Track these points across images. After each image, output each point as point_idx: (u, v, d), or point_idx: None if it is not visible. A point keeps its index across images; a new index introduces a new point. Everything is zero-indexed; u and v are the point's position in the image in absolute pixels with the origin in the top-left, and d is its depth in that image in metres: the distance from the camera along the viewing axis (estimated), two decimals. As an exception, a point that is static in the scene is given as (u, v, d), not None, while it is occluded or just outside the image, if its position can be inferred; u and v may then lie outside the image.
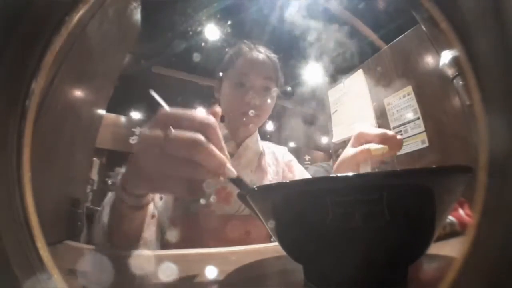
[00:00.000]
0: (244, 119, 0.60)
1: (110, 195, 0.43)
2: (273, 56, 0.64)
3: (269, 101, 0.62)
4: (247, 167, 0.63)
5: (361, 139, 0.45)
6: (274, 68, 0.63)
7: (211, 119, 0.26)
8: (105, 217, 0.39)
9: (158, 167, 0.24)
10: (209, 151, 0.24)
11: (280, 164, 0.70)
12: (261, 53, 0.62)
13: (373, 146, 0.41)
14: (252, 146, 0.65)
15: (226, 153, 0.27)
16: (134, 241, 0.39)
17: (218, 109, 0.28)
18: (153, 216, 0.41)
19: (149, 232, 0.41)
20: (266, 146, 0.71)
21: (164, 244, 0.48)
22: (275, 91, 0.63)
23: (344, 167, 0.46)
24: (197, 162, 0.24)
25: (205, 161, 0.24)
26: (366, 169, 0.40)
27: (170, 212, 0.53)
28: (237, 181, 0.27)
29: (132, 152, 0.27)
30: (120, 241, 0.38)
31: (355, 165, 0.43)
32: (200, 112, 0.26)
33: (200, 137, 0.24)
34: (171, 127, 0.24)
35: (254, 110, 0.59)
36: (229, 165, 0.26)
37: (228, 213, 0.58)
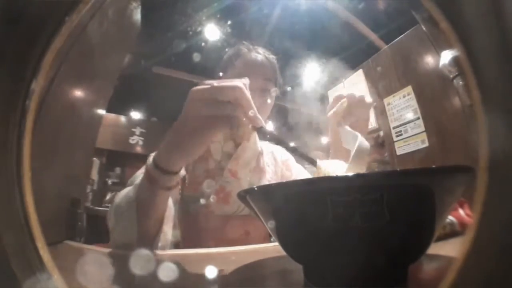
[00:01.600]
0: (253, 124, 0.61)
1: (129, 186, 0.45)
2: (272, 57, 0.64)
3: (268, 101, 0.62)
4: (246, 167, 0.63)
5: (335, 102, 0.51)
6: (272, 69, 0.64)
7: (238, 82, 0.32)
8: (126, 200, 0.40)
9: (208, 110, 0.31)
10: (246, 95, 0.31)
11: (278, 163, 0.70)
12: (260, 54, 0.62)
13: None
14: (251, 147, 0.65)
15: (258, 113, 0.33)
16: (157, 226, 0.39)
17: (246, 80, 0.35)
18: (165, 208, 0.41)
19: (168, 226, 0.42)
20: (265, 146, 0.71)
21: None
22: (274, 91, 0.63)
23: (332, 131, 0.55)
24: (237, 103, 0.31)
25: (244, 102, 0.31)
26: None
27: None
28: (262, 131, 0.34)
29: (174, 122, 0.34)
30: (147, 220, 0.38)
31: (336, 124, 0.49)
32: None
33: (240, 84, 0.31)
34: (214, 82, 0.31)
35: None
36: (259, 116, 0.33)
37: (227, 213, 0.58)
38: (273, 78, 0.63)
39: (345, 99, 0.47)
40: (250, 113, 0.32)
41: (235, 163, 0.61)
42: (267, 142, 0.74)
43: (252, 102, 0.32)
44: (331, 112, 0.50)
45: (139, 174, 0.53)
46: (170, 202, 0.43)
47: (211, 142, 0.60)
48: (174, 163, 0.35)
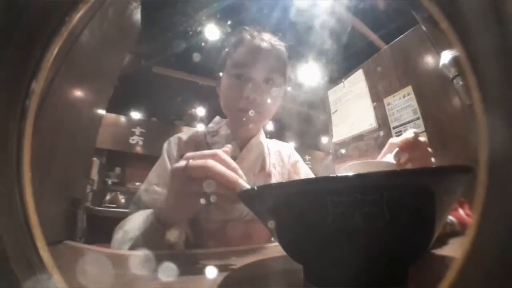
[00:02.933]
0: (243, 118, 0.54)
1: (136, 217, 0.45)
2: (279, 44, 0.55)
3: (274, 94, 0.54)
4: (250, 171, 0.59)
5: (392, 147, 0.46)
6: (279, 58, 0.54)
7: (217, 150, 0.34)
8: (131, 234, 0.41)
9: (183, 187, 0.33)
10: (217, 169, 0.31)
11: (285, 165, 0.66)
12: (265, 41, 0.53)
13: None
14: (256, 148, 0.60)
15: (240, 172, 0.34)
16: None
17: (228, 147, 0.37)
18: None
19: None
20: (272, 145, 0.66)
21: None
22: (281, 86, 0.55)
23: None
24: (211, 179, 0.31)
25: (217, 177, 0.31)
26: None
27: None
28: (249, 193, 0.32)
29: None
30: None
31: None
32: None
33: (209, 161, 0.32)
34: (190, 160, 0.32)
35: (254, 107, 0.52)
36: (241, 181, 0.32)
37: (231, 217, 0.57)
38: (279, 68, 0.55)
39: (397, 150, 0.42)
40: (227, 183, 0.31)
41: (238, 167, 0.60)
42: (274, 140, 0.69)
43: (225, 173, 0.32)
44: (384, 159, 0.44)
45: (143, 192, 0.55)
46: None
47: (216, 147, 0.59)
48: (174, 219, 0.38)
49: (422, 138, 0.43)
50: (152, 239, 0.38)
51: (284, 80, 0.56)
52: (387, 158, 0.42)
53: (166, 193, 0.37)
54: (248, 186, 0.31)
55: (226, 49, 0.58)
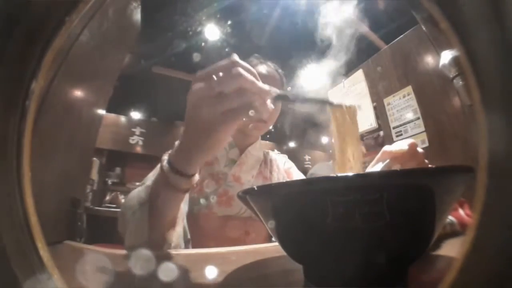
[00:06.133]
0: (251, 125, 0.63)
1: (139, 189, 0.43)
2: (281, 71, 0.70)
3: (275, 109, 0.65)
4: (249, 173, 0.66)
5: (384, 156, 0.43)
6: (281, 81, 0.68)
7: (232, 56, 0.30)
8: (137, 201, 0.39)
9: (215, 106, 0.28)
10: (249, 77, 0.28)
11: (280, 171, 0.73)
12: (271, 67, 0.68)
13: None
14: (255, 153, 0.68)
15: (265, 85, 0.31)
16: (170, 227, 0.39)
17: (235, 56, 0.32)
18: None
19: (180, 226, 0.42)
20: (269, 154, 0.75)
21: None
22: (280, 103, 0.66)
23: None
24: (244, 89, 0.28)
25: (249, 85, 0.28)
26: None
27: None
28: (283, 96, 0.33)
29: (184, 121, 0.32)
30: (159, 221, 0.37)
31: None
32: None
33: (239, 68, 0.28)
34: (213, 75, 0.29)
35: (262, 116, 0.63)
36: (268, 86, 0.31)
37: (229, 214, 0.59)
38: (281, 88, 0.67)
39: (389, 161, 0.40)
40: (260, 91, 0.29)
41: (238, 169, 0.64)
42: (270, 150, 0.78)
43: (253, 78, 0.29)
44: (373, 168, 0.43)
45: (151, 176, 0.53)
46: (182, 203, 0.43)
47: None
48: (193, 164, 0.34)
49: (420, 150, 0.40)
50: (163, 195, 0.35)
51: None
52: (378, 166, 0.41)
53: (181, 134, 0.33)
54: (278, 90, 0.31)
55: None
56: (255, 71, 0.30)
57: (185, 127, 0.32)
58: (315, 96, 0.38)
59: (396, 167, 0.39)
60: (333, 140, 0.41)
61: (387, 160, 0.39)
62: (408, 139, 0.40)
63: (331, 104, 0.39)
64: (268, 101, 0.31)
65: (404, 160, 0.39)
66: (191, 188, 0.36)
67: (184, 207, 0.45)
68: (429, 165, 0.41)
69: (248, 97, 0.29)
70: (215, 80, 0.28)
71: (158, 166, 0.37)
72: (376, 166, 0.41)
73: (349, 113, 0.40)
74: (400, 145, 0.39)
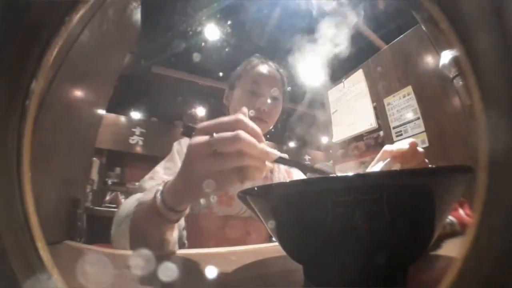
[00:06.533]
0: (266, 160, 0.64)
1: (129, 207, 0.43)
2: (282, 71, 0.71)
3: (277, 108, 0.67)
4: None
5: (385, 155, 0.43)
6: (282, 81, 0.70)
7: (238, 115, 0.30)
8: (126, 211, 0.40)
9: (210, 165, 0.28)
10: (249, 140, 0.28)
11: (281, 170, 0.73)
12: (272, 67, 0.69)
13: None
14: None
15: (262, 138, 0.30)
16: (158, 244, 0.38)
17: (244, 109, 0.32)
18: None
19: (174, 233, 0.41)
20: None
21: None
22: (281, 99, 0.68)
23: None
24: (242, 152, 0.28)
25: (249, 149, 0.28)
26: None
27: None
28: (283, 160, 0.32)
29: (178, 171, 0.32)
30: (142, 242, 0.38)
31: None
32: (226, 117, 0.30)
33: (240, 132, 0.28)
34: (213, 133, 0.28)
35: (263, 117, 0.64)
36: (269, 149, 0.30)
37: (229, 214, 0.59)
38: (282, 89, 0.69)
39: (389, 160, 0.39)
40: (259, 154, 0.29)
41: None
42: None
43: (257, 144, 0.29)
44: (374, 167, 0.43)
45: (148, 179, 0.54)
46: None
47: None
48: (183, 204, 0.35)
49: (420, 149, 0.40)
50: (152, 223, 0.35)
51: (283, 96, 0.70)
52: (379, 166, 0.41)
53: (176, 175, 0.33)
54: (278, 153, 0.31)
55: (243, 69, 0.69)
56: (259, 131, 0.30)
57: (179, 171, 0.32)
58: (316, 166, 0.38)
59: (397, 166, 0.39)
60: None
61: (388, 159, 0.39)
62: (409, 139, 0.40)
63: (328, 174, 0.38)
64: (268, 164, 0.31)
65: (405, 159, 0.39)
66: (179, 219, 0.37)
67: None
68: (429, 165, 0.41)
69: (245, 161, 0.28)
70: (215, 138, 0.28)
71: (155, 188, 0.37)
72: (376, 166, 0.41)
73: None
74: (401, 145, 0.39)
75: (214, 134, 0.28)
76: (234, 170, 0.28)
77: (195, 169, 0.29)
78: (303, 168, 0.38)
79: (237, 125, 0.29)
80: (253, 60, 0.69)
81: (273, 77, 0.67)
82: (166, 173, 0.55)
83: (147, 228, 0.37)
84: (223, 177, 0.29)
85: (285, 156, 0.34)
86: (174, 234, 0.41)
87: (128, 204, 0.42)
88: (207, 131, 0.29)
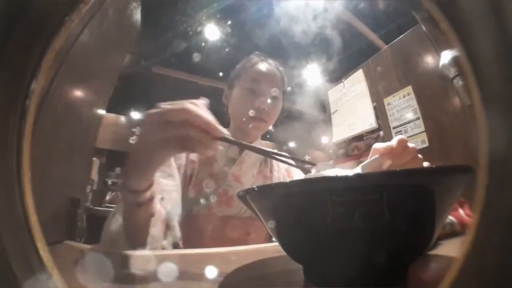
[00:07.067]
0: (251, 124, 0.64)
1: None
2: (281, 69, 0.70)
3: (277, 107, 0.66)
4: (249, 172, 0.65)
5: (374, 153, 0.43)
6: (282, 79, 0.68)
7: (192, 100, 0.33)
8: (117, 219, 0.41)
9: (159, 132, 0.32)
10: (195, 111, 0.31)
11: (281, 170, 0.73)
12: (271, 65, 0.68)
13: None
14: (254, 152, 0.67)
15: (217, 124, 0.33)
16: (142, 237, 0.40)
17: (205, 100, 0.35)
18: (152, 215, 0.41)
19: (156, 229, 0.42)
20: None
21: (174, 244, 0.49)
22: (281, 98, 0.67)
23: None
24: (188, 122, 0.31)
25: (196, 120, 0.31)
26: None
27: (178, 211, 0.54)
28: (225, 139, 0.34)
29: (132, 147, 0.35)
30: (129, 237, 0.39)
31: None
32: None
33: (188, 104, 0.32)
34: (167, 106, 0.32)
35: (262, 116, 0.64)
36: (217, 125, 0.32)
37: (229, 215, 0.59)
38: (281, 87, 0.68)
39: (377, 156, 0.39)
40: (205, 125, 0.32)
41: (238, 168, 0.64)
42: (271, 149, 0.77)
43: (205, 116, 0.32)
44: (363, 165, 0.42)
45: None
46: (159, 206, 0.44)
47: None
48: (136, 182, 0.36)
49: (411, 144, 0.40)
50: (125, 211, 0.38)
51: (283, 95, 0.69)
52: (366, 162, 0.41)
53: (134, 144, 0.35)
54: (224, 130, 0.33)
55: (242, 67, 0.69)
56: (206, 102, 0.34)
57: (133, 146, 0.35)
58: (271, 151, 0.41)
59: (387, 163, 0.39)
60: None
61: (376, 156, 0.39)
62: (399, 136, 0.40)
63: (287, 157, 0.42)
64: (215, 141, 0.33)
65: (394, 156, 0.39)
66: (146, 202, 0.38)
67: (163, 211, 0.46)
68: (424, 161, 0.40)
69: (189, 131, 0.31)
70: (165, 107, 0.32)
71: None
72: (364, 163, 0.40)
73: None
74: (390, 142, 0.40)
75: (166, 106, 0.32)
76: (179, 139, 0.32)
77: (144, 136, 0.33)
78: (261, 152, 0.39)
79: (186, 102, 0.32)
80: (253, 58, 0.68)
81: (272, 75, 0.66)
82: (162, 176, 0.55)
83: (126, 221, 0.39)
84: (168, 144, 0.32)
85: (229, 136, 0.35)
86: (157, 229, 0.42)
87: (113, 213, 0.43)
88: (161, 107, 0.33)
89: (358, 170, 0.39)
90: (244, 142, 0.43)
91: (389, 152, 0.39)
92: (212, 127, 0.32)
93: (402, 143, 0.39)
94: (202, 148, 0.32)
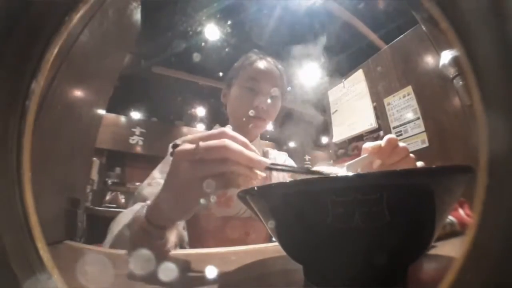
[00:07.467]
0: (250, 124, 0.63)
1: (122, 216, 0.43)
2: (280, 67, 0.69)
3: (276, 105, 0.66)
4: None
5: (364, 152, 0.43)
6: (281, 77, 0.67)
7: (223, 128, 0.30)
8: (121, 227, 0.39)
9: (194, 169, 0.28)
10: (235, 147, 0.28)
11: None
12: (271, 63, 0.66)
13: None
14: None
15: (252, 146, 0.30)
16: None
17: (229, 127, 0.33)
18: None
19: (173, 236, 0.40)
20: (269, 152, 0.74)
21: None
22: (280, 97, 0.66)
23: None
24: (228, 159, 0.27)
25: (235, 156, 0.28)
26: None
27: None
28: (275, 166, 0.31)
29: (164, 184, 0.32)
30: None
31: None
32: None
33: (226, 140, 0.28)
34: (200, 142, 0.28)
35: (261, 114, 0.63)
36: (258, 157, 0.29)
37: (229, 215, 0.59)
38: (281, 86, 0.67)
39: (366, 155, 0.39)
40: (247, 161, 0.28)
41: None
42: (269, 149, 0.77)
43: (246, 153, 0.28)
44: (349, 164, 0.41)
45: (146, 186, 0.53)
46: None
47: None
48: (166, 221, 0.34)
49: (401, 144, 0.38)
50: (142, 240, 0.34)
51: (282, 93, 0.68)
52: (354, 160, 0.40)
53: (161, 187, 0.32)
54: (269, 160, 0.30)
55: (240, 65, 0.67)
56: (246, 141, 0.30)
57: (164, 184, 0.32)
58: (316, 168, 0.37)
59: (377, 162, 0.39)
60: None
61: (365, 155, 0.39)
62: (389, 135, 0.39)
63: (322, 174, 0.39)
64: (259, 172, 0.30)
65: (383, 155, 0.38)
66: (170, 234, 0.35)
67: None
68: (418, 161, 0.40)
69: (229, 167, 0.28)
70: (201, 145, 0.28)
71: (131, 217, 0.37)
72: (352, 161, 0.40)
73: None
74: (379, 141, 0.39)
75: (200, 143, 0.28)
76: (219, 177, 0.28)
77: (180, 176, 0.29)
78: (299, 171, 0.36)
79: (223, 135, 0.29)
80: (251, 56, 0.67)
81: (271, 73, 0.65)
82: (163, 177, 0.55)
83: (142, 244, 0.35)
84: (207, 184, 0.28)
85: (275, 163, 0.32)
86: (172, 237, 0.41)
87: (121, 220, 0.41)
88: (193, 140, 0.29)
89: (343, 169, 0.39)
90: (289, 167, 0.37)
91: (377, 151, 0.38)
92: (256, 162, 0.29)
93: (391, 143, 0.38)
94: (247, 183, 0.29)
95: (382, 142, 0.38)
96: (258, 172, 0.29)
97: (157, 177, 0.55)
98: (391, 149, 0.38)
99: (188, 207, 0.32)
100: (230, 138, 0.28)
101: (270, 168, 0.30)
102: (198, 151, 0.28)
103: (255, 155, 0.29)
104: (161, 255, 0.36)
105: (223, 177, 0.28)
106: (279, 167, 0.32)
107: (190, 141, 0.29)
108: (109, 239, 0.40)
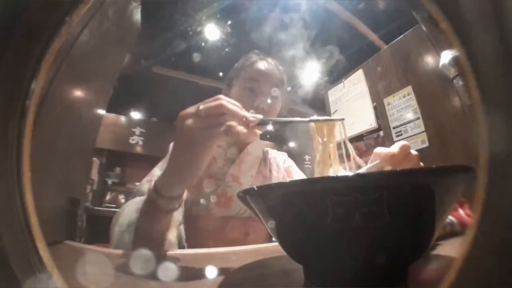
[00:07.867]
0: (250, 124, 0.63)
1: (130, 202, 0.45)
2: (281, 67, 0.69)
3: (276, 105, 0.66)
4: (248, 172, 0.65)
5: (375, 158, 0.43)
6: (281, 78, 0.68)
7: (219, 96, 0.34)
8: (128, 220, 0.40)
9: (199, 124, 0.33)
10: (231, 107, 0.33)
11: (280, 169, 0.72)
12: (271, 63, 0.67)
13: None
14: (254, 152, 0.67)
15: (251, 115, 0.35)
16: (160, 243, 0.39)
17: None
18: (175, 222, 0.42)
19: (172, 234, 0.42)
20: (268, 152, 0.74)
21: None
22: (280, 97, 0.66)
23: None
24: (225, 114, 0.32)
25: (231, 114, 0.33)
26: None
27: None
28: (264, 122, 0.36)
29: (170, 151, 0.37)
30: (145, 243, 0.38)
31: None
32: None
33: (223, 100, 0.33)
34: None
35: (262, 115, 0.63)
36: (251, 115, 0.34)
37: (228, 215, 0.59)
38: (281, 87, 0.67)
39: (378, 161, 0.39)
40: (242, 118, 0.33)
41: (237, 168, 0.63)
42: (269, 149, 0.77)
43: (237, 109, 0.34)
44: (366, 168, 0.41)
45: (145, 182, 0.54)
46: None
47: (216, 148, 0.61)
48: (174, 187, 0.36)
49: (414, 152, 0.39)
50: (151, 217, 0.37)
51: (282, 93, 0.68)
52: (367, 167, 0.40)
53: (168, 158, 0.36)
54: (260, 116, 0.35)
55: (241, 66, 0.68)
56: (239, 104, 0.35)
57: (172, 149, 0.35)
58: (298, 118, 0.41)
59: (388, 169, 0.39)
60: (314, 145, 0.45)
61: (377, 161, 0.39)
62: (401, 141, 0.39)
63: (316, 120, 0.42)
64: (253, 126, 0.35)
65: (395, 162, 0.38)
66: (177, 208, 0.38)
67: (177, 214, 0.45)
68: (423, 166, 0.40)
69: (226, 119, 0.32)
70: (200, 106, 0.33)
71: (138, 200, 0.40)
72: (365, 167, 0.40)
73: (328, 124, 0.44)
74: (392, 148, 0.39)
75: (200, 105, 0.33)
76: (218, 126, 0.32)
77: (184, 132, 0.33)
78: (287, 122, 0.42)
79: (218, 99, 0.34)
80: (252, 56, 0.67)
81: (272, 74, 0.65)
82: None
83: (149, 227, 0.38)
84: (212, 131, 0.33)
85: (266, 118, 0.37)
86: (173, 234, 0.41)
87: (129, 210, 0.42)
88: (193, 106, 0.34)
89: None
90: (283, 119, 0.48)
91: (390, 158, 0.38)
92: (249, 119, 0.34)
93: (404, 150, 0.38)
94: (244, 135, 0.33)
95: (395, 150, 0.38)
96: (255, 129, 0.35)
97: (157, 175, 0.55)
98: (404, 156, 0.38)
99: (196, 163, 0.35)
100: (224, 100, 0.33)
101: (264, 122, 0.35)
102: (199, 110, 0.33)
103: (248, 114, 0.34)
104: (163, 241, 0.39)
105: (219, 127, 0.32)
106: (270, 120, 0.39)
107: (190, 107, 0.34)
108: (117, 230, 0.41)
